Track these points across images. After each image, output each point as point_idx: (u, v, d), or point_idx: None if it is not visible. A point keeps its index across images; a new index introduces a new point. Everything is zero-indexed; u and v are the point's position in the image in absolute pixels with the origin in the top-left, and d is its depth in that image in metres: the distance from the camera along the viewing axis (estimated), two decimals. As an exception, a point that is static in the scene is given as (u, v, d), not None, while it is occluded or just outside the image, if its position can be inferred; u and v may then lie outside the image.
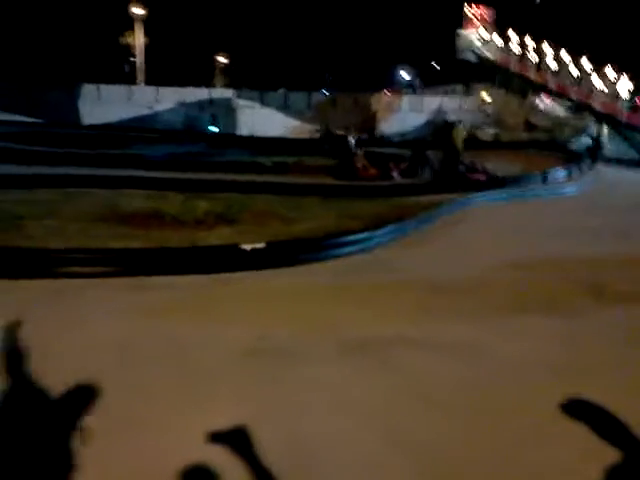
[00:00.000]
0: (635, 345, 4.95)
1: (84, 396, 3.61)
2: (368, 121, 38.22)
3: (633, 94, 32.61)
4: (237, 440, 3.25)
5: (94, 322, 5.08)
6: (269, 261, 6.85)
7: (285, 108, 40.50)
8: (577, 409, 3.65)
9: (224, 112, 39.34)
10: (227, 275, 6.51)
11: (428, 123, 34.89)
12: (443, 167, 15.84)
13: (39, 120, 32.55)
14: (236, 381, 4.06)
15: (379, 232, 8.28)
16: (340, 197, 11.92)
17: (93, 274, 6.16)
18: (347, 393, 3.96)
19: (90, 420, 3.36)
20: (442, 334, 5.04)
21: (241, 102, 40.53)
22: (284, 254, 7.12)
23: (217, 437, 3.26)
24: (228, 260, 6.73)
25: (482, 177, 15.40)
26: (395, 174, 16.04)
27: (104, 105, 39.03)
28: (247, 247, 6.73)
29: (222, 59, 56.69)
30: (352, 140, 17.81)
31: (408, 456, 3.25)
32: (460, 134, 16.58)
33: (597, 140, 29.11)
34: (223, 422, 3.41)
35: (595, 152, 24.37)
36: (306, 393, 3.92)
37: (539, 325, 5.37)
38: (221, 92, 44.77)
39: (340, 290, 6.31)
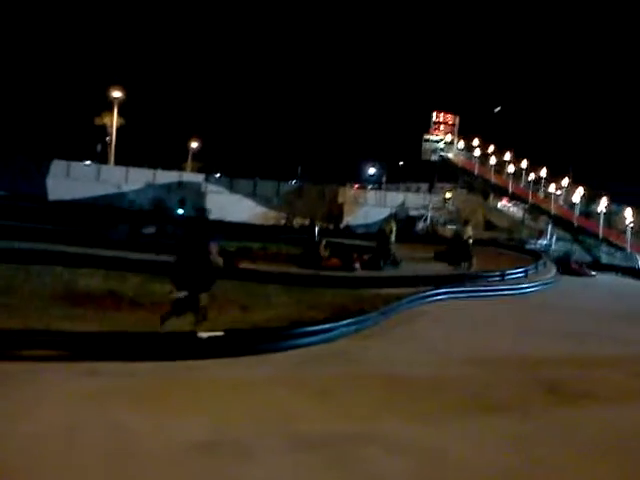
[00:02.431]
0: (589, 448, 4.96)
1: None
2: (334, 212, 39.09)
3: (587, 202, 34.46)
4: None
5: (41, 410, 4.85)
6: (227, 350, 6.73)
7: (254, 195, 41.18)
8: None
9: (193, 196, 39.78)
10: (183, 363, 6.34)
11: (391, 216, 35.82)
12: (376, 253, 17.55)
13: (3, 192, 32.34)
14: (186, 477, 3.87)
15: (339, 323, 8.26)
16: (302, 286, 11.96)
17: (46, 357, 5.94)
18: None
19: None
20: (398, 434, 4.96)
21: (210, 187, 41.12)
22: (242, 343, 7.01)
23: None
24: (184, 348, 6.58)
25: None
26: (357, 265, 16.27)
27: (72, 182, 39.08)
28: (204, 335, 6.60)
29: (195, 144, 57.98)
30: (317, 230, 18.13)
31: None
32: (391, 226, 18.57)
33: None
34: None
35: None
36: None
37: (495, 426, 5.34)
38: (191, 176, 45.43)
39: (298, 382, 6.21)
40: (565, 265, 23.57)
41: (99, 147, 49.43)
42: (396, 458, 4.46)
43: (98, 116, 49.44)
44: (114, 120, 47.77)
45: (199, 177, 43.93)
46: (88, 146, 50.10)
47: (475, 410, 5.76)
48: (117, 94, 47.29)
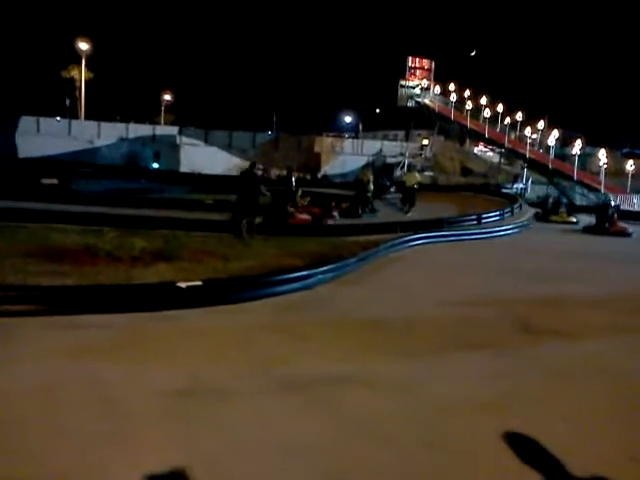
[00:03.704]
0: (560, 381, 5.16)
1: (4, 443, 3.43)
2: (311, 162, 38.83)
3: (562, 144, 34.63)
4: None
5: (20, 363, 4.86)
6: (206, 299, 6.76)
7: (229, 147, 40.60)
8: (507, 442, 3.78)
9: (167, 149, 39.12)
10: (162, 313, 6.36)
11: (368, 165, 35.64)
12: (354, 201, 17.82)
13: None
14: (166, 423, 3.93)
15: (319, 270, 8.32)
16: (280, 235, 11.98)
17: (22, 312, 5.91)
18: (284, 432, 3.90)
19: (11, 468, 3.20)
20: (379, 372, 5.08)
21: (185, 139, 40.40)
22: (221, 292, 7.05)
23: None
24: (163, 298, 6.59)
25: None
26: (335, 214, 16.29)
27: (42, 138, 38.09)
28: (183, 285, 6.62)
29: (168, 96, 56.63)
30: (294, 180, 18.02)
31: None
32: (368, 175, 18.79)
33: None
34: (153, 467, 3.29)
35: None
36: (241, 434, 3.84)
37: (472, 363, 5.50)
38: (165, 129, 44.54)
39: (277, 328, 6.28)
40: (602, 221, 18.20)
41: (68, 102, 48.00)
42: (377, 396, 4.57)
43: (65, 69, 47.85)
44: (82, 73, 46.27)
45: (173, 130, 43.08)
46: (56, 101, 48.63)
47: (452, 349, 5.90)
48: (84, 46, 45.66)
